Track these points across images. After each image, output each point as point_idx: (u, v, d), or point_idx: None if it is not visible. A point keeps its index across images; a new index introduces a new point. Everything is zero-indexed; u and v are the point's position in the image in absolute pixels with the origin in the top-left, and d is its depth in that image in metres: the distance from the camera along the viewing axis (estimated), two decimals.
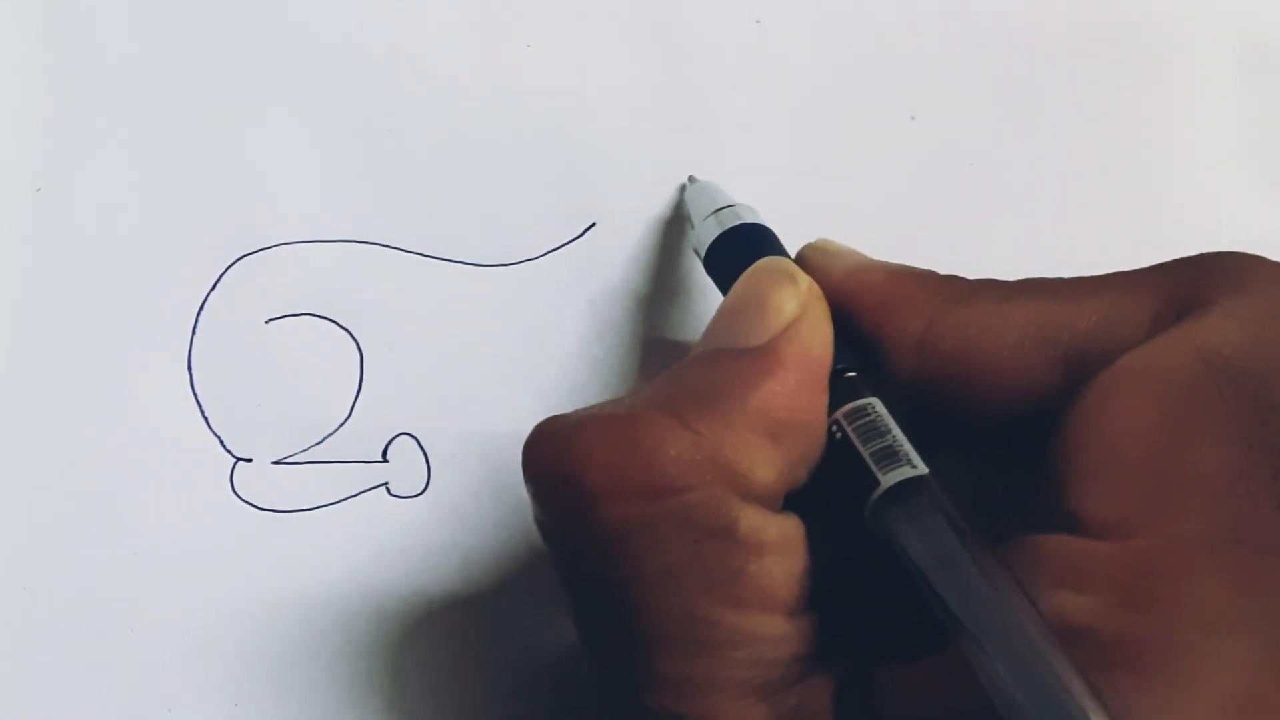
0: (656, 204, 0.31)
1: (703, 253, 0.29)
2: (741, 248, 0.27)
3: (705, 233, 0.28)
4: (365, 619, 0.29)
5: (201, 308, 0.30)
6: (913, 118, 0.32)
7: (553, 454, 0.22)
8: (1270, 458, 0.20)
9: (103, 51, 0.31)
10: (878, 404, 0.24)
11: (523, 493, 0.23)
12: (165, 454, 0.30)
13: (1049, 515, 0.22)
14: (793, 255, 0.27)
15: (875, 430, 0.23)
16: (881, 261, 0.26)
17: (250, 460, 0.30)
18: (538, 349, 0.31)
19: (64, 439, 0.30)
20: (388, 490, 0.30)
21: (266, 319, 0.31)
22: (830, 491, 0.23)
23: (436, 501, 0.30)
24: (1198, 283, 0.22)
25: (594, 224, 0.31)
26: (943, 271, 0.25)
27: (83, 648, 0.29)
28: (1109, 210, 0.31)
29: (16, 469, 0.30)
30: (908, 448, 0.23)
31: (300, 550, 0.30)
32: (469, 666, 0.29)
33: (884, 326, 0.24)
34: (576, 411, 0.23)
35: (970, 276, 0.25)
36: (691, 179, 0.31)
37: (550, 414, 0.23)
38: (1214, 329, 0.22)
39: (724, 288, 0.27)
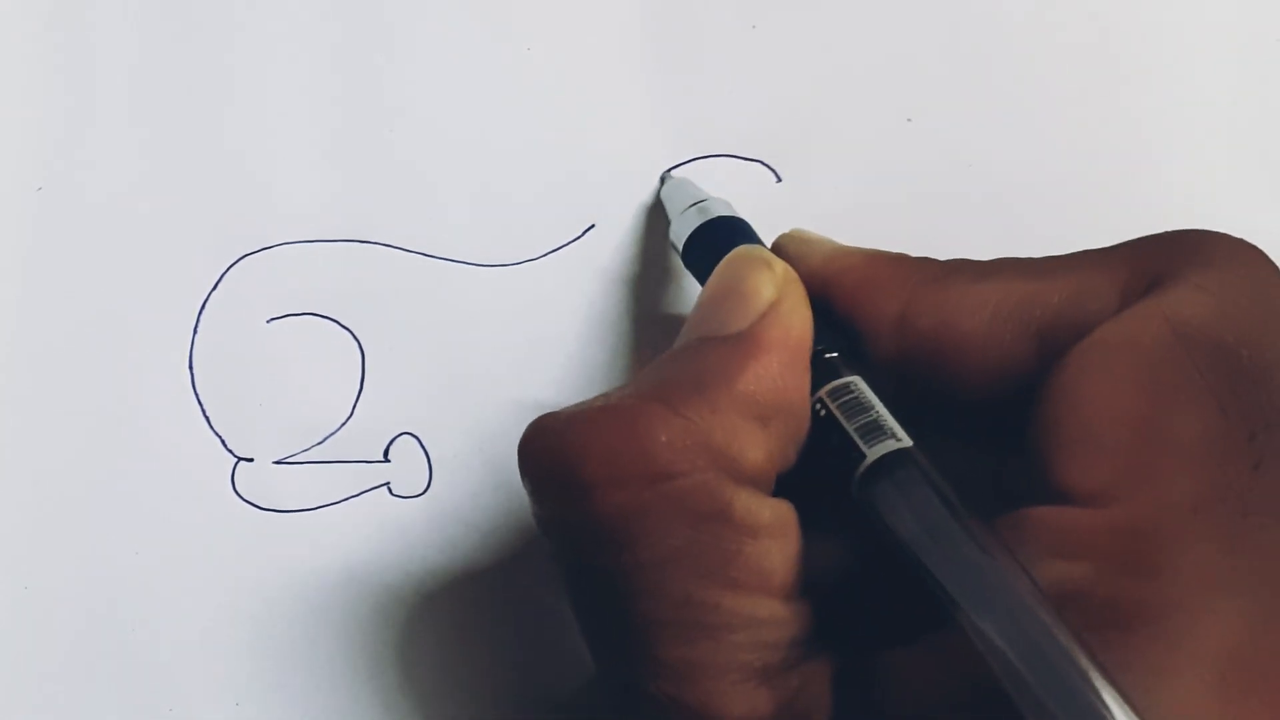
0: (656, 205, 0.31)
1: (680, 245, 0.29)
2: (718, 239, 0.28)
3: (683, 226, 0.29)
4: (366, 619, 0.29)
5: (203, 307, 0.30)
6: (909, 119, 0.32)
7: (548, 448, 0.23)
8: (1244, 421, 0.21)
9: (103, 51, 0.31)
10: (859, 381, 0.24)
11: (524, 493, 0.23)
12: (166, 454, 0.30)
13: (1035, 490, 0.22)
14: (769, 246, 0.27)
15: (859, 406, 0.23)
16: (857, 247, 0.26)
17: (251, 460, 0.30)
18: (538, 349, 0.31)
19: (65, 439, 0.30)
20: (389, 490, 0.30)
21: (268, 319, 0.31)
22: (818, 474, 0.24)
23: (438, 501, 0.30)
24: (1165, 258, 0.23)
25: (594, 224, 0.31)
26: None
27: (83, 648, 0.29)
28: (1108, 212, 0.31)
29: (18, 469, 0.30)
30: (891, 422, 0.23)
31: (301, 550, 0.30)
32: (470, 667, 0.29)
33: (863, 308, 0.25)
34: (567, 407, 0.23)
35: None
36: (668, 175, 0.31)
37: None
38: (1184, 301, 0.22)
39: (702, 279, 0.27)
